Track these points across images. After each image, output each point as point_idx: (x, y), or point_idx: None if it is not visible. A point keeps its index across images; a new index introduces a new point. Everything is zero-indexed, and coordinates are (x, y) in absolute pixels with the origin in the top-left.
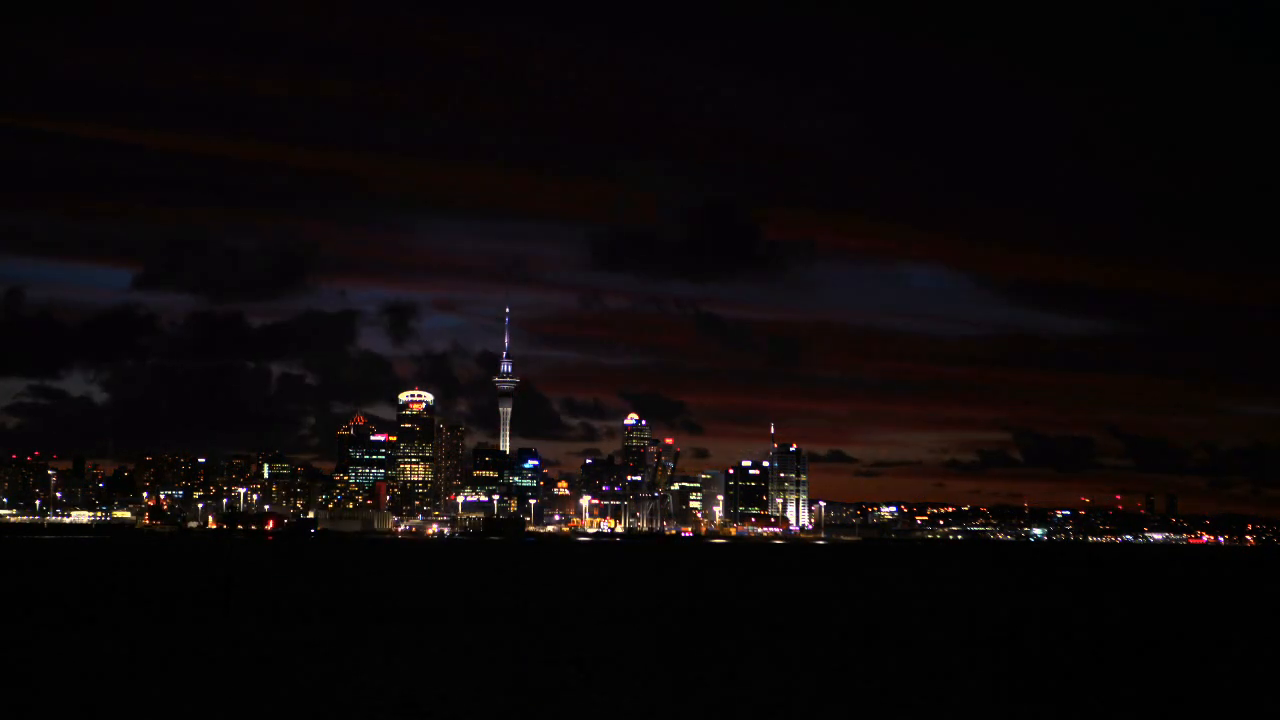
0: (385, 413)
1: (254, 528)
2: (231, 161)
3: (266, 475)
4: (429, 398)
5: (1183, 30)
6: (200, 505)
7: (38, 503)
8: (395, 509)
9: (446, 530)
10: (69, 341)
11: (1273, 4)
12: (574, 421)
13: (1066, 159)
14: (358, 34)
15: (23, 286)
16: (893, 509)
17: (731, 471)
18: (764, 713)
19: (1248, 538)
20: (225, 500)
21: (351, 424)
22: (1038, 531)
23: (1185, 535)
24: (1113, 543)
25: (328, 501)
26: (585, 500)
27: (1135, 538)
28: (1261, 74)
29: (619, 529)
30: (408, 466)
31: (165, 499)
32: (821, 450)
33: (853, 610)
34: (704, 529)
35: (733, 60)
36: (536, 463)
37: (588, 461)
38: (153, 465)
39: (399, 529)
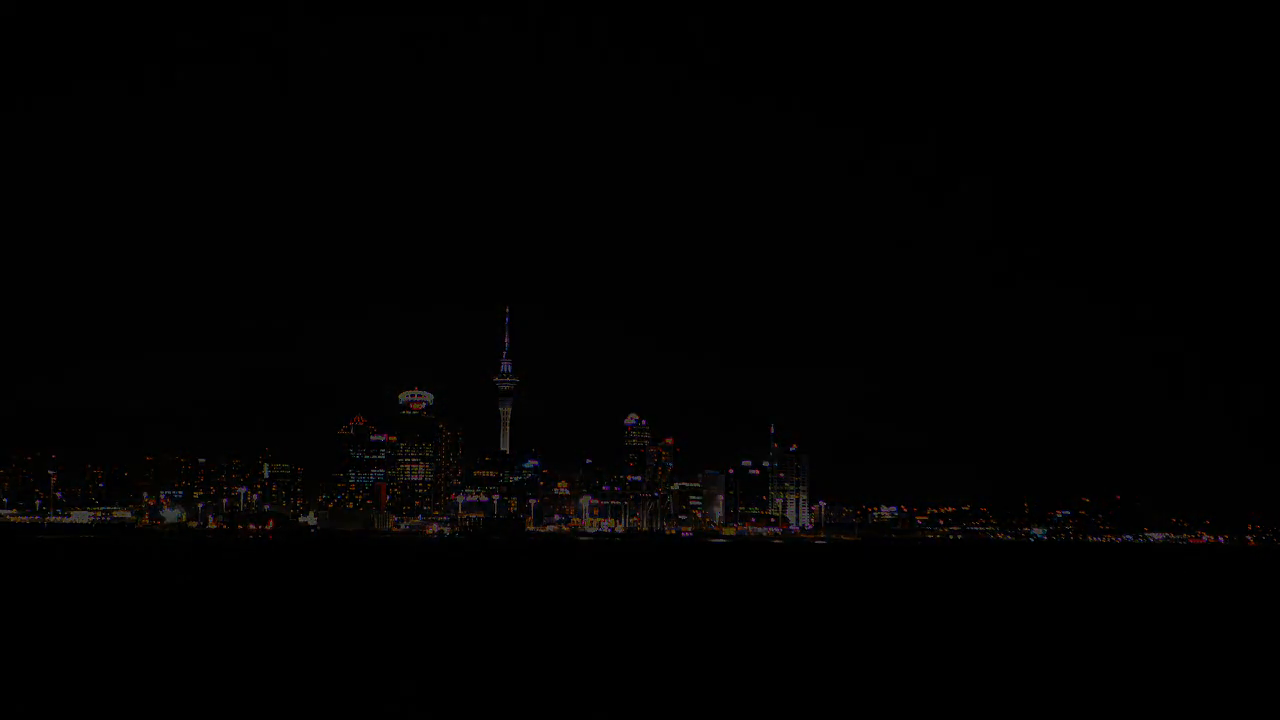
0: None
1: (254, 527)
2: None
3: (266, 475)
4: (429, 397)
5: None
6: (200, 505)
7: (38, 503)
8: (395, 509)
9: (446, 530)
10: None
11: None
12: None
13: None
14: None
15: None
16: (893, 509)
17: (732, 472)
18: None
19: (1248, 538)
20: (225, 500)
21: (351, 424)
22: (1038, 531)
23: (1185, 535)
24: (1113, 542)
25: (328, 501)
26: (585, 500)
27: (1135, 538)
28: None
29: (619, 529)
30: (408, 466)
31: (165, 499)
32: None
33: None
34: (704, 529)
35: None
36: (536, 463)
37: (587, 461)
38: (153, 465)
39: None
